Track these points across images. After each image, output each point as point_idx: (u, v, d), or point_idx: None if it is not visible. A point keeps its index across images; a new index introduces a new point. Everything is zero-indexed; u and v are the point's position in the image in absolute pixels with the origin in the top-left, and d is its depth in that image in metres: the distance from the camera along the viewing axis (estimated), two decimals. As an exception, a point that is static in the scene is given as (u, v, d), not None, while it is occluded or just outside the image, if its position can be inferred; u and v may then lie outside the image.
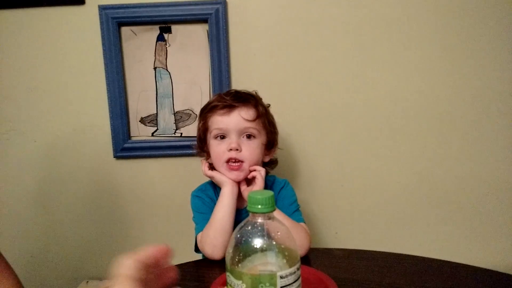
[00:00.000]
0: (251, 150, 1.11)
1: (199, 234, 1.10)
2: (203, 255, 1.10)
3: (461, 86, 1.41)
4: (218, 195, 1.12)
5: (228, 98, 1.12)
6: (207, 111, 1.15)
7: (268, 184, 1.16)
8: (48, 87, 1.47)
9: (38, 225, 1.56)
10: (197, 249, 1.12)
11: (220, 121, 1.11)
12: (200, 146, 1.21)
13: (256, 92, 1.20)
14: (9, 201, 1.54)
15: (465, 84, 1.41)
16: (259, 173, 1.10)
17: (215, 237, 1.04)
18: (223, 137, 1.12)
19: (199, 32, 1.42)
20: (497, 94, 1.40)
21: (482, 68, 1.39)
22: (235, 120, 1.10)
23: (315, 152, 1.48)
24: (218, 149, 1.12)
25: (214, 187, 1.19)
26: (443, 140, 1.45)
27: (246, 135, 1.11)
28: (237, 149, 1.09)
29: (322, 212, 1.50)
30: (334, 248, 1.11)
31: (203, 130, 1.18)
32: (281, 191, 1.19)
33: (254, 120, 1.10)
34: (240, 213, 1.13)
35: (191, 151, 1.44)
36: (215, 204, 1.11)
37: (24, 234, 1.56)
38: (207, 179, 1.21)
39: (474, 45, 1.39)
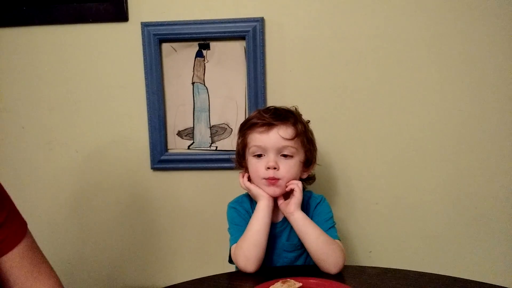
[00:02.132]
0: (288, 168, 1.11)
1: (233, 246, 1.11)
2: (236, 267, 1.11)
3: (499, 100, 1.39)
4: (254, 208, 1.13)
5: (267, 115, 1.12)
6: (246, 128, 1.16)
7: (305, 199, 1.16)
8: (91, 100, 1.53)
9: (76, 233, 1.61)
10: (230, 260, 1.13)
11: (259, 139, 1.11)
12: (238, 161, 1.22)
13: (296, 108, 1.20)
14: (50, 209, 1.60)
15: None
16: (297, 185, 1.11)
17: (249, 250, 1.05)
18: (260, 155, 1.12)
19: (237, 48, 1.45)
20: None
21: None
22: (273, 138, 1.10)
23: (350, 169, 1.47)
24: (256, 167, 1.13)
25: (251, 200, 1.20)
26: (482, 160, 1.42)
27: (284, 154, 1.11)
28: (274, 168, 1.10)
29: (356, 230, 1.49)
30: (368, 266, 1.10)
31: (242, 146, 1.18)
32: (317, 206, 1.18)
33: (292, 139, 1.10)
34: (275, 227, 1.14)
35: (225, 165, 1.47)
36: (250, 216, 1.12)
37: (62, 241, 1.61)
38: (242, 192, 1.22)
39: (497, 54, 1.37)
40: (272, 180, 1.11)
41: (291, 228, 1.13)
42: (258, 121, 1.12)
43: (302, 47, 1.43)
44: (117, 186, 1.56)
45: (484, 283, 0.97)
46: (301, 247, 1.14)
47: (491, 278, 1.01)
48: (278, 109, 1.16)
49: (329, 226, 1.14)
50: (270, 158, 1.10)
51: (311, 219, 1.13)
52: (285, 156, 1.11)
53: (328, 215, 1.17)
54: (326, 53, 1.43)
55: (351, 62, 1.42)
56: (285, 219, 1.15)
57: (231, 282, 1.05)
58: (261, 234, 1.07)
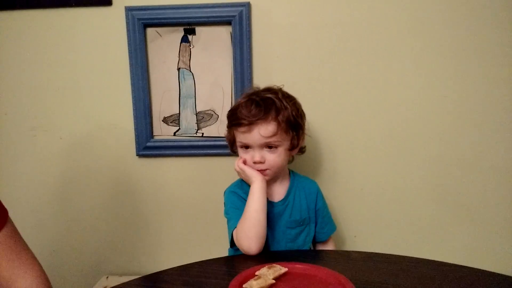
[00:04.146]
0: (274, 159, 1.15)
1: (235, 230, 1.12)
2: (230, 250, 1.14)
3: (481, 91, 1.40)
4: None
5: (248, 114, 1.12)
6: (232, 125, 1.18)
7: (300, 181, 1.25)
8: (75, 86, 1.51)
9: (61, 221, 1.60)
10: (232, 244, 1.14)
11: (243, 137, 1.15)
12: (231, 148, 1.26)
13: (281, 89, 1.19)
14: (34, 197, 1.58)
15: (487, 88, 1.40)
16: None
17: (250, 230, 1.07)
18: (247, 147, 1.16)
19: (223, 33, 1.44)
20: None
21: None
22: (255, 137, 1.12)
23: (336, 154, 1.48)
24: (246, 157, 1.17)
25: None
26: (464, 145, 1.44)
27: (268, 146, 1.14)
28: (260, 162, 1.14)
29: (341, 215, 1.50)
30: (353, 251, 1.11)
31: (231, 138, 1.22)
32: (319, 195, 1.27)
33: (273, 135, 1.12)
34: (277, 206, 1.19)
35: (212, 151, 1.48)
36: None
37: (46, 229, 1.60)
38: (228, 178, 1.26)
39: (483, 48, 1.39)
40: (261, 171, 1.16)
41: (293, 205, 1.21)
42: (241, 120, 1.13)
43: (288, 33, 1.43)
44: (102, 173, 1.55)
45: (467, 266, 0.99)
46: (302, 223, 1.21)
47: (473, 262, 1.03)
48: (259, 102, 1.13)
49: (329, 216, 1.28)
50: (255, 154, 1.15)
51: (316, 202, 1.25)
52: (270, 147, 1.14)
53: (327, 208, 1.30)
54: (312, 39, 1.42)
55: (338, 48, 1.42)
56: (286, 198, 1.21)
57: (218, 268, 1.05)
58: (260, 213, 1.10)
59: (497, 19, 1.36)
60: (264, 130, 1.11)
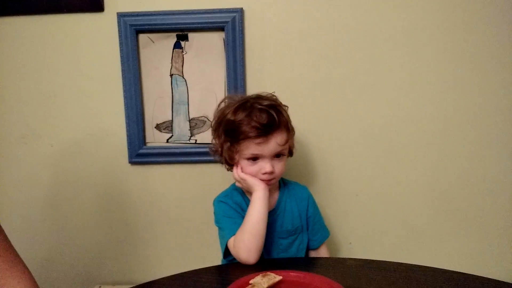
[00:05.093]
0: (281, 167, 1.14)
1: (231, 239, 1.09)
2: (223, 261, 1.13)
3: (478, 95, 1.41)
4: (246, 201, 1.16)
5: (263, 122, 1.07)
6: (240, 139, 1.10)
7: (293, 187, 1.24)
8: (66, 93, 1.50)
9: (53, 229, 1.58)
10: (226, 255, 1.12)
11: (256, 148, 1.10)
12: (227, 163, 1.19)
13: (276, 98, 1.18)
14: (25, 205, 1.56)
15: (485, 94, 1.41)
16: None
17: (250, 242, 1.05)
18: (256, 159, 1.12)
19: (216, 40, 1.43)
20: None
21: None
22: (273, 147, 1.10)
23: (330, 160, 1.47)
24: (252, 170, 1.13)
25: (242, 193, 1.20)
26: (461, 153, 1.44)
27: (277, 154, 1.13)
28: (272, 172, 1.12)
29: (336, 222, 1.49)
30: (348, 258, 1.11)
31: (232, 151, 1.14)
32: (310, 200, 1.26)
33: (287, 142, 1.13)
34: (269, 215, 1.14)
35: (205, 158, 1.46)
36: (242, 209, 1.14)
37: (39, 237, 1.58)
38: (221, 185, 1.23)
39: (477, 49, 1.39)
40: (268, 182, 1.14)
41: (284, 214, 1.19)
42: (253, 132, 1.08)
43: (281, 38, 1.42)
44: (94, 180, 1.54)
45: (463, 273, 0.98)
46: (295, 233, 1.19)
47: (470, 268, 1.03)
48: (269, 111, 1.09)
49: (322, 221, 1.26)
50: (267, 165, 1.11)
51: (307, 209, 1.23)
52: (278, 156, 1.13)
53: (318, 213, 1.28)
54: (305, 44, 1.42)
55: (331, 53, 1.42)
56: (277, 207, 1.19)
57: (211, 277, 1.04)
58: (261, 224, 1.08)
59: (494, 24, 1.37)
60: (280, 139, 1.10)
